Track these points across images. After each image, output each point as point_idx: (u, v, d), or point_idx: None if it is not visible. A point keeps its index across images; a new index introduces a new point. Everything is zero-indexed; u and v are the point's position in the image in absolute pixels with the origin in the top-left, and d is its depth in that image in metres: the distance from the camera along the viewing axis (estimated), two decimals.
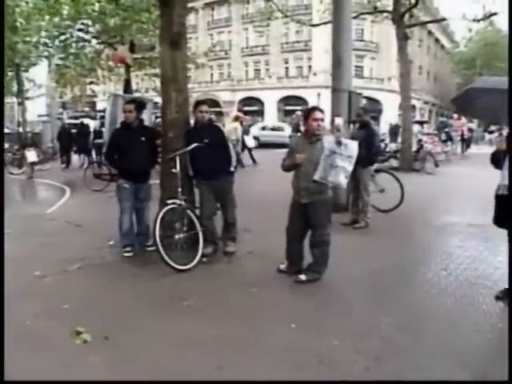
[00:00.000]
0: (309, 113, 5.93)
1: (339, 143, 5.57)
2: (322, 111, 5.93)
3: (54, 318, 4.99)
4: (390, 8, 20.56)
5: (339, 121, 5.69)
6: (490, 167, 5.53)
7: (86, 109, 55.60)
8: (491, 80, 5.74)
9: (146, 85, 32.53)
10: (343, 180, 5.68)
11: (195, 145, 6.54)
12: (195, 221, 6.69)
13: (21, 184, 16.89)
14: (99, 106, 54.38)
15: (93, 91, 46.47)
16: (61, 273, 6.38)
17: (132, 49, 14.71)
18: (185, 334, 4.59)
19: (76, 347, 4.35)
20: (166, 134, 7.13)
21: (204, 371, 3.92)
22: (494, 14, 19.56)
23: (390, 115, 46.46)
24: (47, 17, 23.70)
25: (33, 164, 17.38)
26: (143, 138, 6.97)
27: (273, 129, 31.18)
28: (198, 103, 7.04)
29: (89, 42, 26.21)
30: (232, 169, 6.99)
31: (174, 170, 6.63)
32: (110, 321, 4.87)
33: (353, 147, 5.65)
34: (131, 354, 4.25)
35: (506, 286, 5.41)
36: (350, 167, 5.67)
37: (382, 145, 17.98)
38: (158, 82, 28.58)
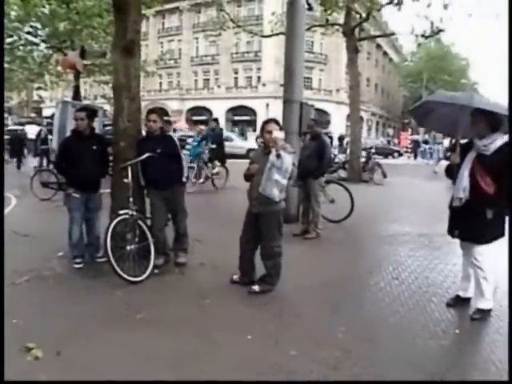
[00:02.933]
0: (264, 125, 5.99)
1: (278, 156, 5.62)
2: (277, 123, 5.99)
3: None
4: (342, 21, 20.92)
5: (279, 134, 5.74)
6: (436, 178, 5.69)
7: (33, 115, 54.41)
8: (449, 95, 5.93)
9: (95, 92, 32.16)
10: (276, 193, 5.71)
11: (148, 154, 6.48)
12: (147, 231, 6.61)
13: None
14: (46, 113, 53.36)
15: (40, 97, 45.54)
16: (8, 285, 6.10)
17: (83, 55, 14.49)
18: (139, 347, 4.53)
19: (27, 364, 4.24)
20: (117, 142, 7.03)
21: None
22: (442, 30, 20.10)
23: (337, 126, 47.28)
24: None
25: None
26: (94, 147, 6.84)
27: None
28: (148, 112, 6.98)
29: (37, 45, 25.72)
30: (184, 179, 6.96)
31: (125, 180, 6.54)
32: (62, 335, 4.74)
33: (288, 161, 5.70)
34: (84, 368, 4.15)
35: (457, 294, 5.67)
36: (283, 181, 5.71)
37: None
38: (107, 90, 28.57)
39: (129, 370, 4.11)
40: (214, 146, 15.39)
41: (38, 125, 37.68)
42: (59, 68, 27.09)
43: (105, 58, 21.79)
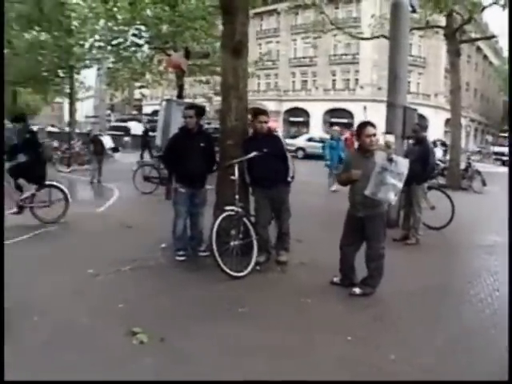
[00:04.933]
0: (361, 129, 5.92)
1: (390, 160, 5.54)
2: (373, 126, 5.93)
3: (109, 317, 5.07)
4: (443, 24, 20.31)
5: (390, 138, 5.64)
6: None
7: (134, 112, 56.43)
8: None
9: (195, 91, 32.92)
10: (392, 197, 5.63)
11: (255, 153, 6.57)
12: (250, 228, 6.70)
13: (69, 182, 17.22)
14: (146, 110, 55.15)
15: (143, 95, 47.24)
16: (114, 272, 6.47)
17: (187, 55, 14.88)
18: (239, 340, 4.61)
19: (132, 347, 4.41)
20: (224, 141, 7.20)
21: (255, 378, 3.94)
22: None
23: (435, 132, 45.91)
24: (102, 21, 24.29)
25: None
26: (202, 144, 7.03)
27: (319, 141, 30.95)
28: (257, 113, 7.08)
29: (141, 46, 26.68)
30: (289, 179, 7.00)
31: (232, 177, 6.67)
32: (165, 323, 4.90)
33: (403, 164, 5.61)
34: (186, 357, 4.27)
35: None
36: (400, 184, 5.61)
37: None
38: (207, 89, 29.27)
39: (227, 362, 4.19)
40: None
41: (139, 121, 39.27)
42: (161, 68, 28.05)
43: (207, 59, 22.25)
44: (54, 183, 9.67)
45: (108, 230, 9.02)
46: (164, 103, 13.35)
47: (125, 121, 38.60)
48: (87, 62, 28.06)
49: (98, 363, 4.12)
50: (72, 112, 28.16)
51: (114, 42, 25.76)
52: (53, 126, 33.95)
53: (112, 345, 4.47)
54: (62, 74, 30.19)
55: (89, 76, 33.16)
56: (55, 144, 23.95)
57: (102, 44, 26.14)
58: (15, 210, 8.96)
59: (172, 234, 7.23)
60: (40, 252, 7.49)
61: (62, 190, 9.52)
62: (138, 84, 37.01)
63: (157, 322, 4.90)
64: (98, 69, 30.35)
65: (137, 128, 33.72)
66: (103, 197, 13.11)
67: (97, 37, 26.00)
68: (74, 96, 29.12)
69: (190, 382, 3.69)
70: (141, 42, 26.38)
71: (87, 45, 27.07)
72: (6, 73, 29.22)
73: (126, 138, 30.09)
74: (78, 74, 30.05)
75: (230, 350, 4.42)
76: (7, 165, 9.02)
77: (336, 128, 18.58)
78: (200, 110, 7.31)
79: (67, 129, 31.90)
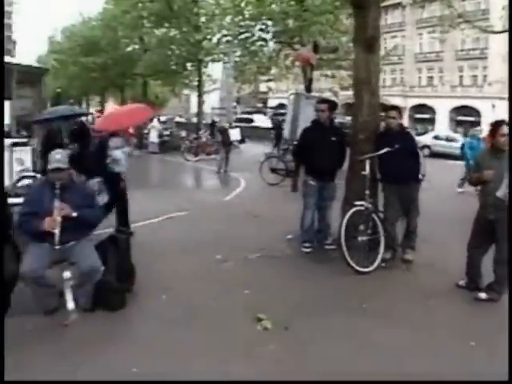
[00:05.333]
0: (496, 127, 5.66)
1: None
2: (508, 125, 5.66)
3: (235, 302, 5.27)
4: None
5: None
6: None
7: (259, 105, 57.32)
8: None
9: (321, 85, 32.90)
10: None
11: (387, 149, 6.49)
12: (379, 225, 6.65)
13: (196, 171, 17.89)
14: (271, 103, 55.79)
15: (269, 89, 47.91)
16: (241, 259, 6.71)
17: (315, 49, 14.96)
18: (361, 335, 4.60)
19: (257, 333, 4.55)
20: (356, 136, 7.17)
21: (377, 373, 3.90)
22: None
23: None
24: (229, 17, 24.94)
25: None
26: (333, 138, 7.07)
27: (446, 139, 29.82)
28: (387, 108, 7.01)
29: (267, 41, 27.08)
30: (420, 176, 6.87)
31: (363, 173, 6.65)
32: (289, 312, 4.99)
33: None
34: (309, 347, 4.32)
35: None
36: None
37: None
38: (332, 84, 29.24)
39: (348, 355, 4.19)
40: None
41: (264, 114, 39.86)
42: (287, 62, 28.33)
43: (334, 54, 22.23)
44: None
45: (235, 218, 9.32)
46: (292, 97, 13.50)
47: (250, 113, 39.33)
48: (215, 56, 28.91)
49: (224, 344, 4.33)
50: (200, 103, 29.14)
51: (241, 37, 26.33)
52: (180, 116, 35.40)
53: (237, 328, 4.66)
54: (189, 68, 31.39)
55: (216, 69, 34.12)
56: (183, 134, 24.93)
57: (229, 38, 26.82)
58: None
59: (300, 225, 7.31)
60: (169, 235, 7.98)
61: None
62: (264, 78, 37.70)
63: (281, 310, 5.00)
64: (224, 62, 31.14)
65: (261, 120, 34.27)
66: (230, 186, 13.50)
67: (224, 32, 26.72)
68: (201, 88, 30.14)
69: (190, 382, 3.68)
70: (267, 36, 26.80)
71: (215, 39, 27.91)
72: (137, 66, 31.04)
73: (251, 130, 30.67)
74: (206, 67, 31.04)
75: (350, 343, 4.43)
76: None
77: (478, 128, 17.78)
78: (332, 104, 7.35)
79: (194, 119, 33.12)
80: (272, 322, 4.68)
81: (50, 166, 4.92)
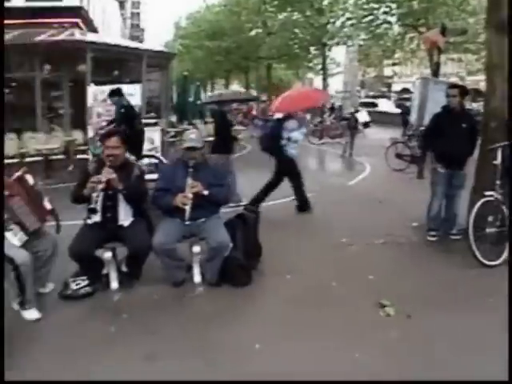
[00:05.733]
0: None
1: None
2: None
3: (358, 286, 5.29)
4: None
5: None
6: None
7: (383, 89, 56.13)
8: None
9: (446, 70, 31.72)
10: None
11: None
12: (507, 217, 6.34)
13: (320, 154, 17.93)
14: (395, 88, 54.36)
15: (394, 73, 46.82)
16: (366, 244, 6.70)
17: (443, 32, 14.43)
18: (486, 333, 4.31)
19: (379, 318, 4.55)
20: (487, 123, 6.85)
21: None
22: None
23: None
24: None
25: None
26: (464, 125, 6.80)
27: None
28: None
29: (392, 24, 26.50)
30: None
31: (494, 162, 6.38)
32: (412, 300, 4.91)
33: None
34: (431, 340, 4.18)
35: None
36: None
37: None
38: (458, 68, 28.12)
39: (471, 355, 3.95)
40: None
41: (388, 99, 39.03)
42: (413, 45, 27.59)
43: (461, 36, 21.34)
44: (152, 153, 10.58)
45: (359, 202, 9.30)
46: (419, 81, 13.15)
47: (374, 97, 38.61)
48: (339, 39, 28.71)
49: (346, 327, 4.39)
50: (324, 87, 29.10)
51: (365, 20, 25.96)
52: None
53: (359, 312, 4.68)
54: (313, 51, 31.37)
55: (339, 53, 33.87)
56: (308, 117, 24.99)
57: (353, 22, 26.52)
58: None
59: (426, 213, 7.15)
60: (295, 216, 8.28)
61: (160, 160, 10.30)
62: (388, 61, 36.92)
63: (404, 298, 4.94)
64: (348, 46, 30.85)
65: (386, 105, 33.59)
66: (354, 170, 13.42)
67: (348, 15, 26.46)
68: (326, 72, 30.06)
69: (191, 382, 3.62)
70: (392, 19, 26.20)
71: (338, 23, 27.70)
72: (261, 49, 31.49)
73: (375, 115, 30.09)
74: (330, 50, 30.89)
75: (480, 344, 4.15)
76: None
77: None
78: (464, 90, 7.08)
79: None
80: (395, 309, 4.66)
81: (184, 145, 5.23)
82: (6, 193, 4.55)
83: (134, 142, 8.81)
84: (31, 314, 4.59)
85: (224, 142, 9.08)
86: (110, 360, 3.88)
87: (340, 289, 5.23)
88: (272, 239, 6.19)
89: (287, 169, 8.50)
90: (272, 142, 8.51)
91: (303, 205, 8.59)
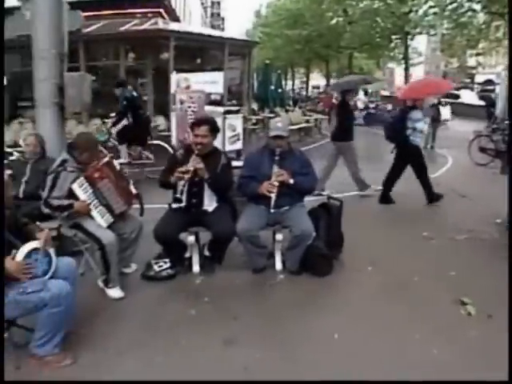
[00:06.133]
0: None
1: None
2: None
3: (439, 281, 5.17)
4: None
5: None
6: None
7: (466, 80, 54.38)
8: None
9: None
10: None
11: None
12: None
13: None
14: (478, 79, 52.56)
15: (478, 63, 45.19)
16: (448, 239, 6.55)
17: None
18: None
19: (459, 317, 4.43)
20: None
21: None
22: None
23: None
24: None
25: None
26: None
27: None
28: None
29: (477, 12, 25.59)
30: None
31: None
32: (494, 300, 4.71)
33: None
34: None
35: None
36: None
37: None
38: None
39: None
40: None
41: (471, 90, 37.80)
42: (498, 34, 26.54)
43: None
44: (158, 142, 11.03)
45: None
46: (505, 73, 12.68)
47: (457, 89, 37.44)
48: (422, 28, 28.02)
49: (426, 323, 4.28)
50: (407, 77, 28.52)
51: (449, 8, 25.18)
52: (384, 89, 34.98)
53: (440, 309, 4.58)
54: (394, 40, 30.78)
55: (421, 42, 33.09)
56: (389, 107, 24.53)
57: (436, 10, 25.80)
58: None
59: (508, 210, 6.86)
60: (376, 207, 8.24)
61: (166, 148, 10.71)
62: (472, 51, 35.68)
63: (486, 297, 4.78)
64: (430, 35, 30.06)
65: (468, 97, 32.52)
66: (437, 163, 12.99)
67: (431, 3, 25.76)
68: (408, 61, 29.44)
69: (190, 381, 3.53)
70: (477, 7, 25.27)
71: (421, 11, 27.03)
72: (342, 38, 31.19)
73: (458, 107, 29.18)
74: (412, 39, 30.22)
75: None
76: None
77: None
78: None
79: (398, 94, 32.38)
80: (476, 308, 4.52)
81: (271, 133, 5.24)
82: (96, 175, 4.72)
83: (138, 130, 10.58)
84: (115, 292, 4.78)
85: (345, 129, 9.18)
86: (189, 342, 3.97)
87: (421, 284, 5.13)
88: (353, 230, 6.13)
89: (412, 158, 8.49)
90: (397, 131, 8.49)
91: (431, 195, 8.52)
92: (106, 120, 12.47)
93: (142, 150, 10.87)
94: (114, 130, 10.79)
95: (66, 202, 4.58)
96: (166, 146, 10.99)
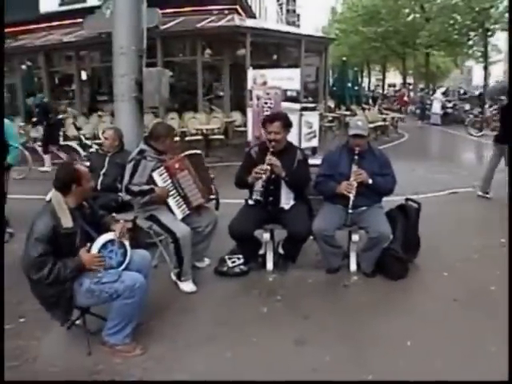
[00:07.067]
0: None
1: None
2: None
3: None
4: None
5: None
6: None
7: None
8: None
9: None
10: None
11: None
12: None
13: (478, 147, 16.89)
14: None
15: None
16: None
17: None
18: None
19: None
20: None
21: None
22: None
23: None
24: None
25: None
26: None
27: None
28: None
29: None
30: None
31: None
32: None
33: None
34: None
35: None
36: None
37: None
38: None
39: None
40: None
41: None
42: None
43: None
44: (69, 143, 12.18)
45: None
46: None
47: None
48: (502, 24, 26.99)
49: (499, 333, 3.95)
50: (486, 75, 27.59)
51: None
52: (460, 88, 34.08)
53: None
54: (473, 37, 29.84)
55: (501, 39, 32.00)
56: (467, 107, 23.77)
57: None
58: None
59: None
60: (453, 211, 7.88)
61: (76, 150, 11.64)
62: None
63: None
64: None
65: None
66: None
67: None
68: (487, 59, 28.47)
69: (189, 381, 3.42)
70: None
71: (501, 7, 26.07)
72: (419, 35, 30.44)
73: None
74: (492, 36, 29.21)
75: None
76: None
77: None
78: None
79: (476, 92, 31.41)
80: None
81: (350, 132, 5.11)
82: (176, 165, 4.80)
83: (52, 130, 12.05)
84: (187, 285, 4.81)
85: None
86: (259, 339, 3.94)
87: (498, 294, 4.79)
88: (429, 233, 5.90)
89: None
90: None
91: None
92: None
93: (57, 150, 11.97)
94: (33, 133, 13.17)
95: (146, 187, 4.68)
96: (75, 146, 11.88)
